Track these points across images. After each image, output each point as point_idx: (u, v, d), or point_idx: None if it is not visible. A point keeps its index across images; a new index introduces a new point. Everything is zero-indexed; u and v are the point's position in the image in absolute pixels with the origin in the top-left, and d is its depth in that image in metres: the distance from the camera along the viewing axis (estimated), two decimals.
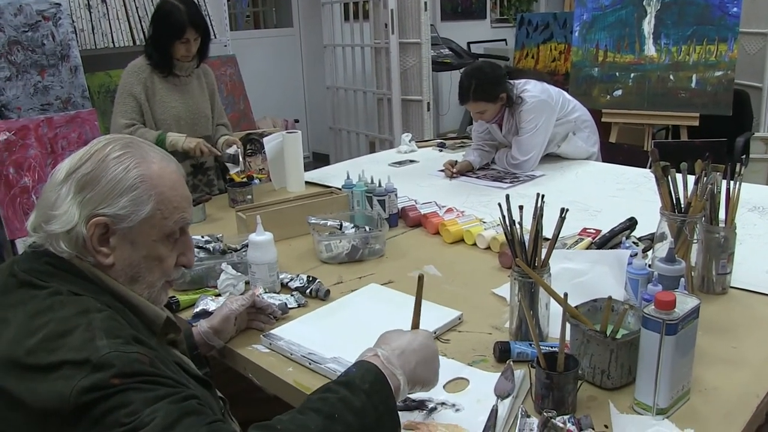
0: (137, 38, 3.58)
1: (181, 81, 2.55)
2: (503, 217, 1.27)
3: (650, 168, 1.56)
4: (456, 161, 2.74)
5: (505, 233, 1.28)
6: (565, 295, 1.09)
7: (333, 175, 2.70)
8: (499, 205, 1.28)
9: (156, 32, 2.46)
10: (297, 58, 6.14)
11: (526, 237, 1.27)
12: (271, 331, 1.38)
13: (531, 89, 2.65)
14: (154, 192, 0.97)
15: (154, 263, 1.01)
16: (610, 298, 1.11)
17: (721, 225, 1.47)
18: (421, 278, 1.05)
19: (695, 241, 1.44)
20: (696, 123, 3.94)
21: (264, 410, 1.09)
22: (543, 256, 1.27)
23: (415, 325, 1.05)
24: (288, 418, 0.85)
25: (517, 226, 1.26)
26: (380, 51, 4.95)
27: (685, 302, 1.03)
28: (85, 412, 0.79)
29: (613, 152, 3.63)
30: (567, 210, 1.23)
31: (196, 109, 2.60)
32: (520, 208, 1.26)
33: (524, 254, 1.25)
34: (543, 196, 1.26)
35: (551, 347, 1.13)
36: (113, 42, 3.54)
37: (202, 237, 1.78)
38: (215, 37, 3.95)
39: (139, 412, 0.78)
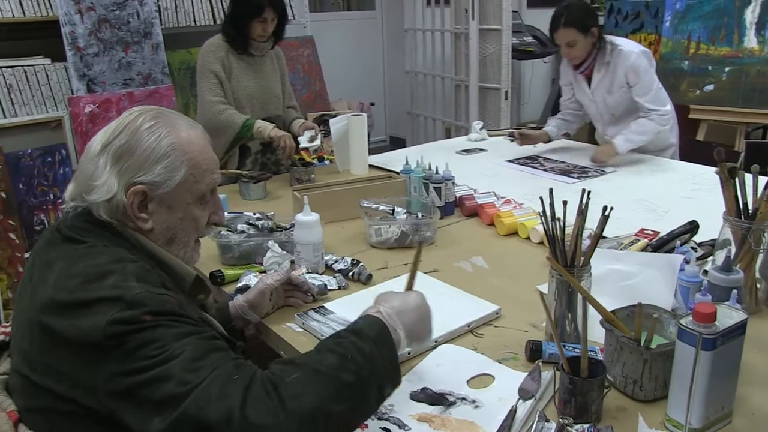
0: (218, 17, 3.67)
1: (255, 61, 2.60)
2: (543, 211, 1.22)
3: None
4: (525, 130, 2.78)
5: (545, 229, 1.23)
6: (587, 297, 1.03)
7: (398, 159, 2.68)
8: (541, 198, 1.23)
9: (235, 10, 2.51)
10: (378, 42, 6.13)
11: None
12: (306, 311, 1.39)
13: (625, 44, 2.55)
14: (186, 158, 1.03)
15: (190, 224, 1.07)
16: (639, 304, 1.04)
17: None
18: (420, 244, 1.20)
19: (761, 251, 1.33)
20: None
21: None
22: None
23: (409, 287, 1.13)
24: (305, 356, 0.93)
25: (559, 221, 1.20)
26: (460, 37, 4.85)
27: (729, 316, 0.95)
28: (118, 343, 0.85)
29: (699, 151, 3.41)
30: (611, 208, 1.16)
31: (269, 89, 2.65)
32: (564, 203, 1.21)
33: (564, 252, 1.20)
34: (589, 192, 1.20)
35: (590, 351, 1.07)
36: (195, 20, 3.65)
37: (254, 214, 1.81)
38: (294, 18, 4.00)
39: (168, 345, 0.85)
